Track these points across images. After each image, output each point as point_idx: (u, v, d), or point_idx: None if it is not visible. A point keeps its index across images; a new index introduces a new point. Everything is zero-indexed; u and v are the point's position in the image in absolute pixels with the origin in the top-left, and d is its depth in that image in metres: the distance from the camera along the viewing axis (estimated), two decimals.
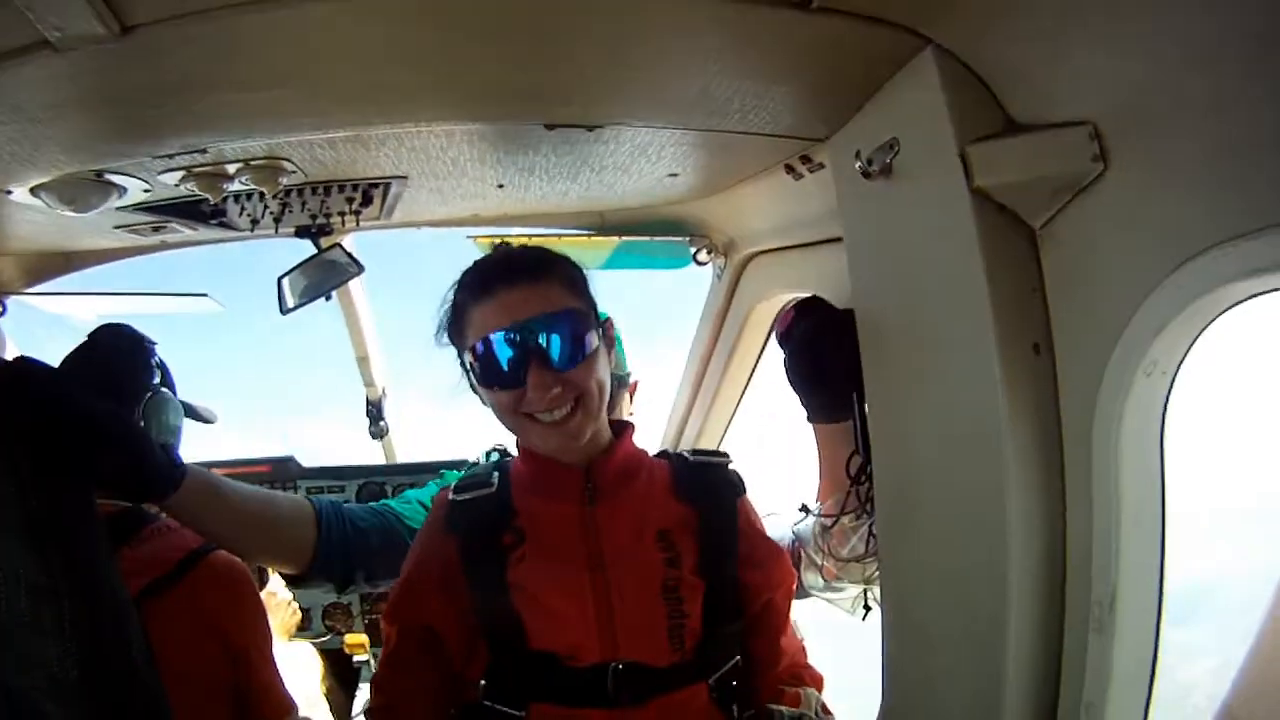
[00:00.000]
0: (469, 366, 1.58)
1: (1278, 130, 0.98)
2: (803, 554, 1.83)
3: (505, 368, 1.51)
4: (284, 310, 2.52)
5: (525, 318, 1.50)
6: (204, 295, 2.97)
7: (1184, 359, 1.21)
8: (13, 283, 2.63)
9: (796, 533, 1.95)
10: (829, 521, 1.75)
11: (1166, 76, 1.11)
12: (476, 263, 1.65)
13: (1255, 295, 1.12)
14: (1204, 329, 1.18)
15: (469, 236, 2.52)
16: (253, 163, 1.75)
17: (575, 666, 1.53)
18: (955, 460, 1.40)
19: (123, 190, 1.89)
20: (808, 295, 1.89)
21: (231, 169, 1.80)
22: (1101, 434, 1.22)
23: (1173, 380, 1.21)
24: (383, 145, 1.74)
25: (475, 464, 2.08)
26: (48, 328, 3.00)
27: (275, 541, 1.86)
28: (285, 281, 2.48)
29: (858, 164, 1.44)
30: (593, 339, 1.55)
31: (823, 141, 1.64)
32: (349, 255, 2.43)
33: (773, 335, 2.42)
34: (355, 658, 3.22)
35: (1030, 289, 1.30)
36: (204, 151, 1.68)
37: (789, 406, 1.98)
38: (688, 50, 1.32)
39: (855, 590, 1.78)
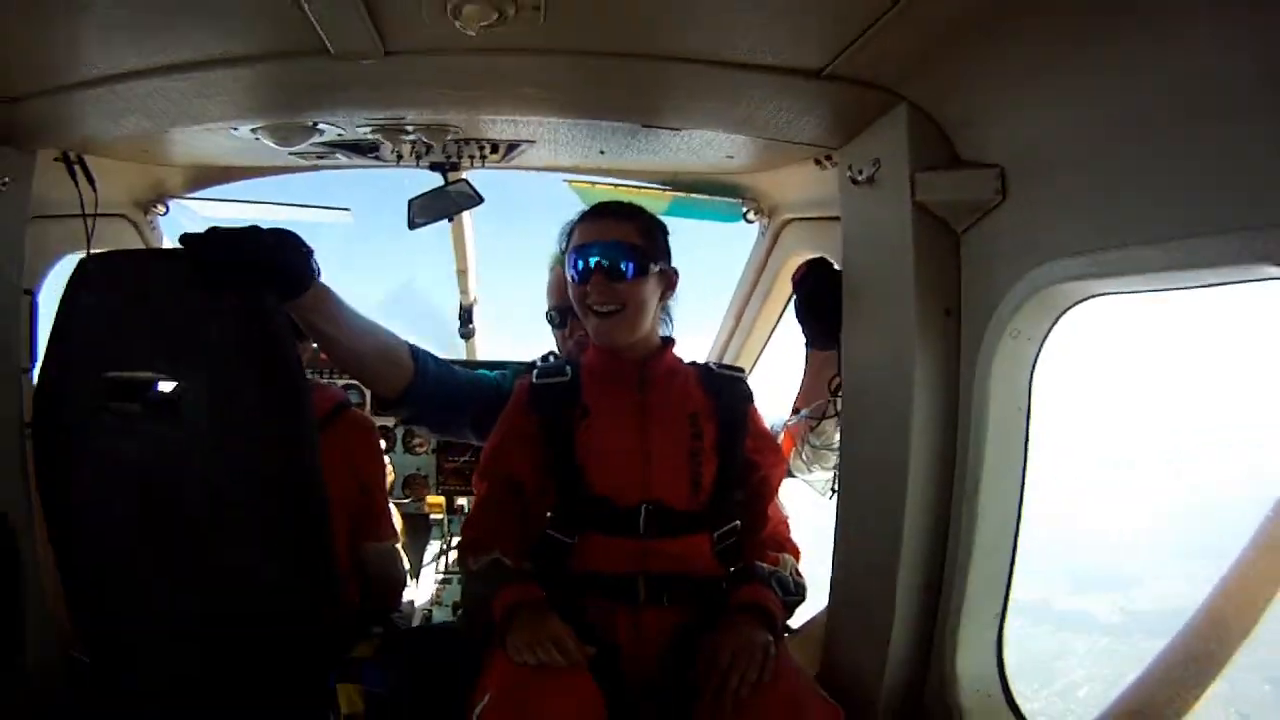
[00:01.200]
0: (568, 272, 2.18)
1: (1108, 191, 1.53)
2: (794, 444, 2.45)
3: (580, 269, 2.13)
4: (411, 226, 3.00)
5: (600, 239, 2.13)
6: (346, 210, 3.48)
7: (1048, 332, 1.78)
8: (176, 189, 3.17)
9: (775, 426, 2.51)
10: (814, 422, 2.36)
11: (1044, 151, 1.68)
12: (593, 205, 2.30)
13: (1090, 297, 1.69)
14: (1061, 313, 1.75)
15: (566, 180, 3.11)
16: (431, 126, 2.34)
17: (619, 506, 2.06)
18: (889, 384, 1.96)
19: (322, 133, 2.45)
20: (816, 256, 2.45)
21: (411, 127, 2.37)
22: (981, 372, 1.80)
23: (1040, 345, 1.79)
24: (529, 123, 2.34)
25: (533, 363, 2.53)
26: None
27: (381, 355, 2.31)
28: (415, 203, 2.96)
29: (850, 174, 2.01)
30: (645, 270, 2.12)
31: (835, 148, 2.18)
32: (472, 189, 2.92)
33: None
34: (431, 516, 3.81)
35: (949, 272, 1.87)
36: (402, 116, 2.28)
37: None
38: (738, 93, 1.90)
39: (828, 475, 2.35)
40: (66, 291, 2.05)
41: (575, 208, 2.59)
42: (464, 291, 4.05)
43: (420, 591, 3.39)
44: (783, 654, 1.99)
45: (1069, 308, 1.74)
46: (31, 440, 2.06)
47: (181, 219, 3.29)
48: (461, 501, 3.70)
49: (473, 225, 3.71)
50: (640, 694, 2.01)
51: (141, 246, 3.13)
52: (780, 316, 3.41)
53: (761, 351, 3.52)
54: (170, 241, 3.26)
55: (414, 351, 2.34)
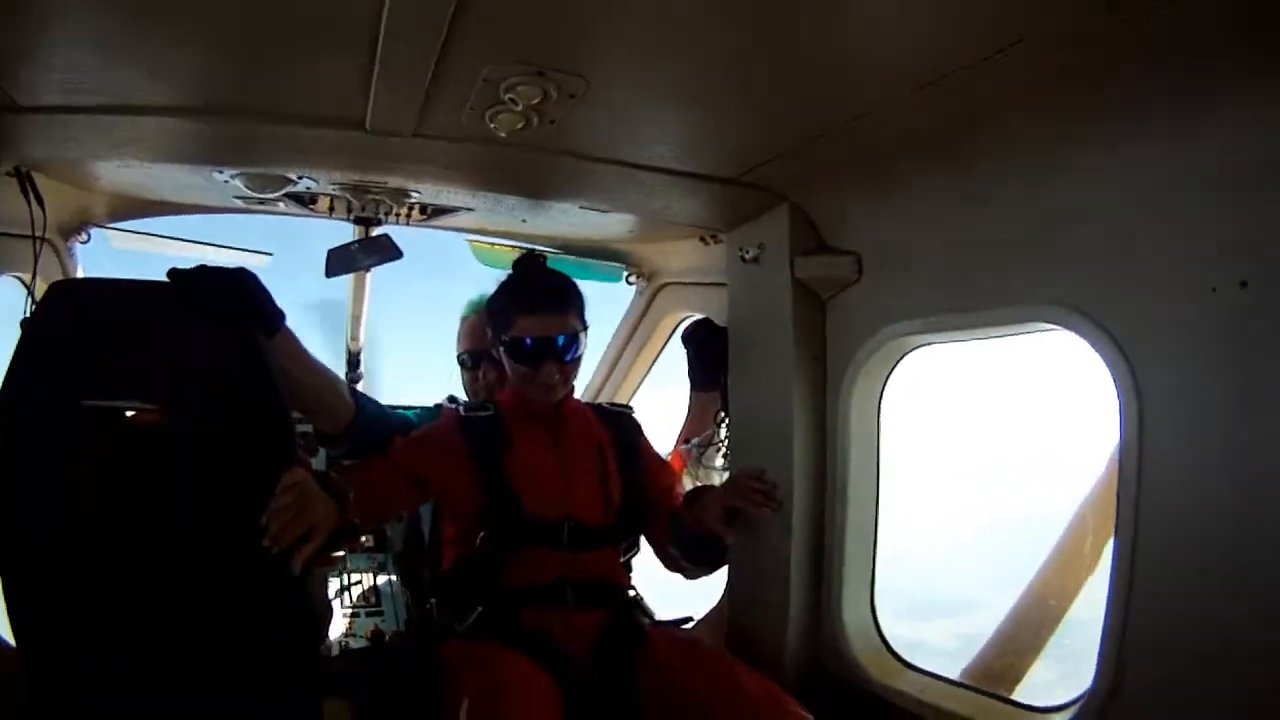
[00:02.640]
0: (505, 345, 2.42)
1: (933, 274, 2.13)
2: (683, 467, 2.97)
3: (533, 357, 2.38)
4: (329, 274, 3.06)
5: (553, 334, 2.37)
6: (269, 254, 3.49)
7: (890, 372, 2.39)
8: (100, 218, 3.05)
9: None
10: (701, 449, 2.89)
11: (889, 244, 2.28)
12: (523, 281, 2.50)
13: (920, 346, 2.32)
14: (900, 358, 2.37)
15: (468, 239, 3.42)
16: (398, 190, 2.66)
17: (545, 522, 2.35)
18: (771, 416, 2.50)
19: (295, 183, 2.59)
20: (702, 317, 2.99)
21: (377, 189, 2.65)
22: (843, 402, 2.39)
23: (884, 381, 2.39)
24: (480, 195, 2.69)
25: (439, 405, 2.83)
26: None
27: (331, 393, 2.32)
28: (335, 254, 3.02)
29: (740, 254, 2.56)
30: (582, 346, 2.44)
31: (724, 232, 2.74)
32: (393, 243, 3.02)
33: (672, 339, 3.56)
34: None
35: (817, 329, 2.45)
36: (384, 181, 2.56)
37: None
38: (666, 191, 2.38)
39: None
40: (36, 314, 1.95)
41: (464, 263, 3.07)
42: (354, 338, 4.07)
43: (333, 627, 3.36)
44: (698, 640, 2.36)
45: (906, 353, 2.37)
46: None
47: (98, 251, 3.15)
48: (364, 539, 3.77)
49: (371, 276, 3.73)
50: (581, 686, 2.19)
51: (59, 273, 2.93)
52: (651, 366, 3.90)
53: (633, 394, 3.98)
54: (86, 271, 3.09)
55: (353, 391, 2.45)
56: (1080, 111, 1.68)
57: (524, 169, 2.30)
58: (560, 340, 2.38)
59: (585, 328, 2.49)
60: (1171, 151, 1.58)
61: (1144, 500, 1.67)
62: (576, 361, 2.46)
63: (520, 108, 1.82)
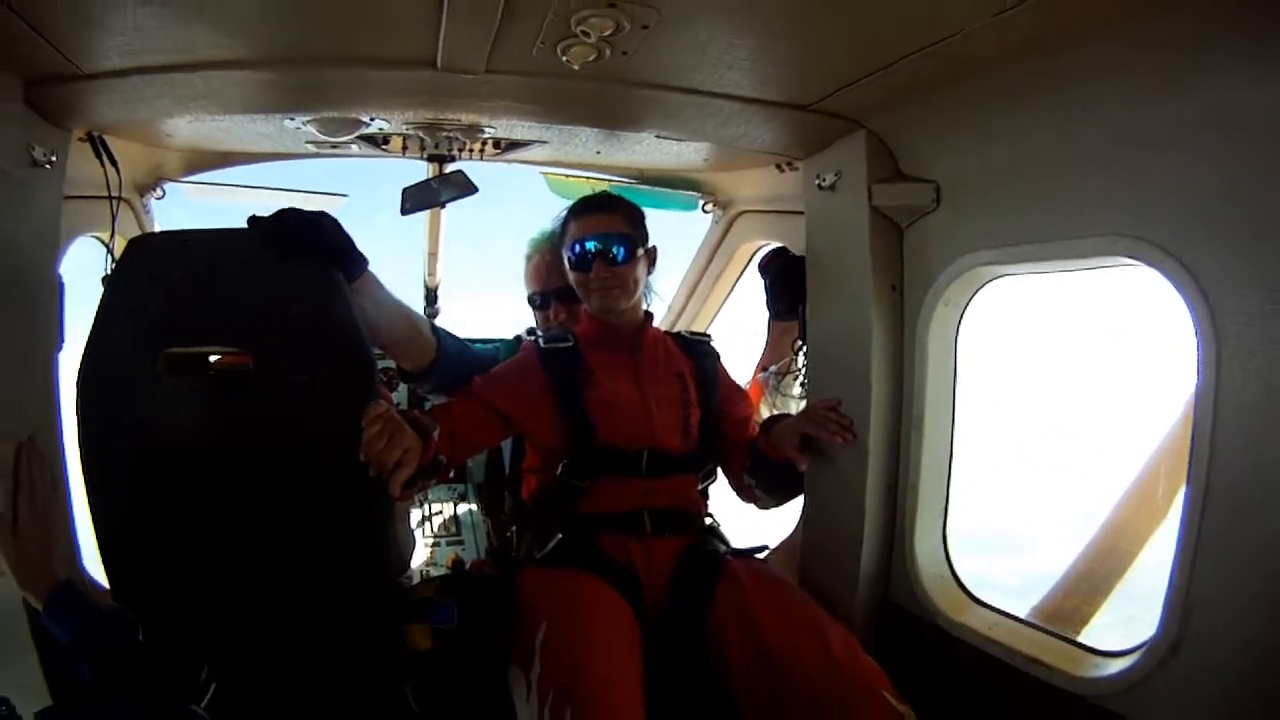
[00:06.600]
0: (566, 258, 2.51)
1: (1014, 203, 2.10)
2: (762, 395, 2.99)
3: (584, 259, 2.46)
4: (404, 212, 3.07)
5: (595, 232, 2.45)
6: (344, 195, 3.53)
7: (969, 301, 2.36)
8: (174, 173, 3.15)
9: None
10: (779, 377, 2.89)
11: (967, 173, 2.24)
12: (580, 199, 2.58)
13: (996, 277, 2.29)
14: (978, 289, 2.33)
15: (542, 172, 3.43)
16: (472, 126, 2.66)
17: (625, 451, 2.40)
18: (849, 344, 2.45)
19: (367, 125, 2.63)
20: (779, 245, 2.97)
21: (450, 127, 2.65)
22: (921, 331, 2.37)
23: (963, 310, 2.37)
24: (553, 128, 2.70)
25: (519, 337, 2.93)
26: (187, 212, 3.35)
27: (412, 334, 2.38)
28: (410, 191, 3.03)
29: (817, 181, 2.53)
30: (637, 253, 2.48)
31: (800, 159, 2.67)
32: (467, 179, 3.01)
33: (749, 266, 3.56)
34: None
35: (895, 257, 2.42)
36: (458, 119, 2.56)
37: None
38: (741, 118, 2.33)
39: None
40: (119, 268, 2.05)
41: (538, 195, 3.04)
42: (431, 274, 4.19)
43: (415, 556, 3.35)
44: (779, 575, 2.37)
45: (985, 284, 2.33)
46: (78, 423, 1.96)
47: (174, 206, 3.26)
48: None
49: (445, 212, 3.69)
50: (657, 611, 2.31)
51: (136, 229, 3.03)
52: (729, 294, 3.90)
53: (711, 322, 3.99)
54: (162, 225, 3.20)
55: (434, 329, 2.48)
56: (1169, 41, 1.62)
57: (597, 101, 2.28)
58: (607, 238, 2.45)
59: (643, 240, 2.54)
60: (1258, 81, 1.53)
61: (1218, 445, 1.65)
62: (630, 265, 2.48)
63: (593, 39, 1.80)
